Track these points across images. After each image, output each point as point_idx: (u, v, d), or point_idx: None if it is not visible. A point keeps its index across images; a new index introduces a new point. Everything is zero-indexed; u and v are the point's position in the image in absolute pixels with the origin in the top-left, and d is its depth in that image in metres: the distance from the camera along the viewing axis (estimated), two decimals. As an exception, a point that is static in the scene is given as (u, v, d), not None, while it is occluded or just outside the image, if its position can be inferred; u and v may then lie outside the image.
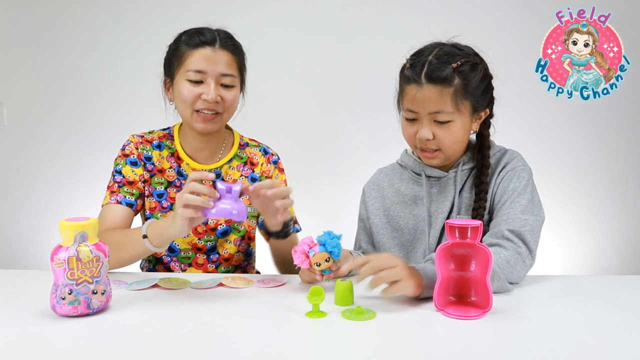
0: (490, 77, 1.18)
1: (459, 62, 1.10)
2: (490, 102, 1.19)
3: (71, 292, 0.87)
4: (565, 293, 1.03)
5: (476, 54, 1.16)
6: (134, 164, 1.29)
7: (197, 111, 1.22)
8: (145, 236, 1.10)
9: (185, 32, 1.26)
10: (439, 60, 1.10)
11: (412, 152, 1.28)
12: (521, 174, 1.17)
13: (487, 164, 1.18)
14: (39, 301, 0.93)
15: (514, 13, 2.47)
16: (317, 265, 0.99)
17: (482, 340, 0.81)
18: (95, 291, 0.89)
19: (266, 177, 1.36)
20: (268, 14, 2.54)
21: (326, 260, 0.99)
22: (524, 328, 0.84)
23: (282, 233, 1.21)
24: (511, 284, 1.03)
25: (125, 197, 1.26)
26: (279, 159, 1.41)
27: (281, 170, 1.40)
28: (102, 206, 1.27)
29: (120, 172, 1.28)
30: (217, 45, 1.22)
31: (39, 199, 2.69)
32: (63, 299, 0.86)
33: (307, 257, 0.99)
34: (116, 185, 1.27)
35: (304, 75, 2.53)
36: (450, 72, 1.09)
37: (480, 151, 1.20)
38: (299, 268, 1.03)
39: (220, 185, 0.99)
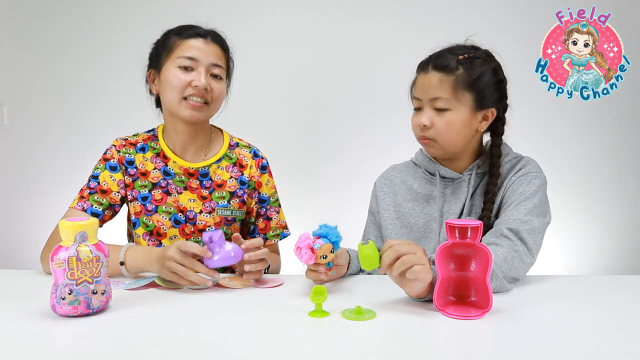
0: (502, 79, 1.18)
1: (465, 55, 1.14)
2: (499, 102, 1.18)
3: (71, 292, 0.87)
4: (565, 293, 1.03)
5: (489, 54, 1.18)
6: (113, 168, 1.28)
7: (185, 99, 1.23)
8: (122, 263, 1.11)
9: (175, 28, 1.29)
10: (448, 52, 1.16)
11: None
12: (533, 180, 1.15)
13: (496, 173, 1.17)
14: (39, 301, 0.93)
15: (514, 13, 2.47)
16: (323, 257, 0.98)
17: (482, 340, 0.81)
18: (95, 291, 0.89)
19: (255, 182, 1.35)
20: (270, 12, 2.53)
21: (331, 252, 0.99)
22: (524, 328, 0.84)
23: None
24: (510, 282, 1.02)
25: (92, 205, 1.24)
26: (268, 163, 1.39)
27: (270, 174, 1.39)
28: (69, 207, 1.25)
29: (96, 178, 1.27)
30: (209, 39, 1.25)
31: (39, 199, 2.69)
32: (63, 299, 0.87)
33: (314, 251, 0.97)
34: (87, 191, 1.25)
35: (307, 74, 2.52)
36: (454, 61, 1.13)
37: (490, 159, 1.19)
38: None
39: (205, 237, 1.05)
